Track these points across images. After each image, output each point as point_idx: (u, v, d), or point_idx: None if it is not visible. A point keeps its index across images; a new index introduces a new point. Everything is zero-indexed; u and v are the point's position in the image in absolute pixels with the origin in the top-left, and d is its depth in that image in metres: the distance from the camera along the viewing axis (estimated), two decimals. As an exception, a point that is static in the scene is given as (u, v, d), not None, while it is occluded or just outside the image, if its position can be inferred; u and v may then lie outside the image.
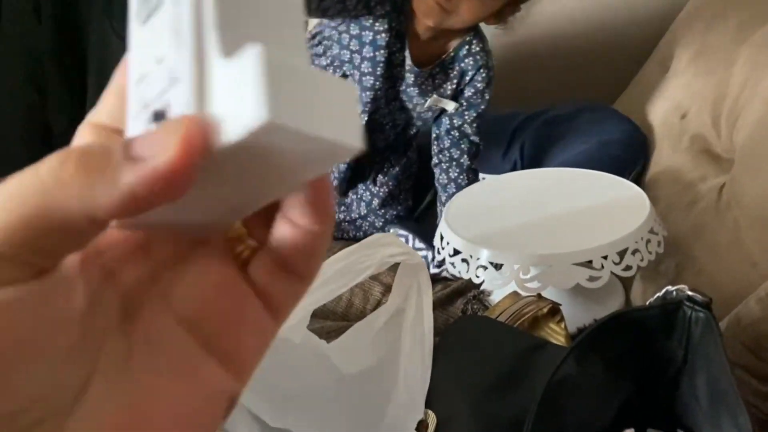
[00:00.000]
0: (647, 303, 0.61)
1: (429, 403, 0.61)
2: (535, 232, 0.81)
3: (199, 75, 0.16)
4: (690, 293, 0.57)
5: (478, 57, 1.09)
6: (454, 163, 1.13)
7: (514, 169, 1.28)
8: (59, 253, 0.16)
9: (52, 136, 2.25)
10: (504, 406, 0.61)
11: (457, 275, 0.82)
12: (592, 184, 0.91)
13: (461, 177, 1.13)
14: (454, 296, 0.88)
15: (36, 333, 0.16)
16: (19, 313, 0.15)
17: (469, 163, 1.14)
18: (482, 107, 1.12)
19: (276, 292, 0.20)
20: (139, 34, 0.19)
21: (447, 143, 1.13)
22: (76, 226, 0.16)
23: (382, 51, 1.01)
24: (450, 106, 1.10)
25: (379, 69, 1.02)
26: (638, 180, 1.10)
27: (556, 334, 0.73)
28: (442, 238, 0.86)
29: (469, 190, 1.00)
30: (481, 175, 1.29)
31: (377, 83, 1.03)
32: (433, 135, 1.15)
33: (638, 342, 0.60)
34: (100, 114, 0.20)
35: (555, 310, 0.74)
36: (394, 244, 0.67)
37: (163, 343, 0.19)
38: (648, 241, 0.76)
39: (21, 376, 0.15)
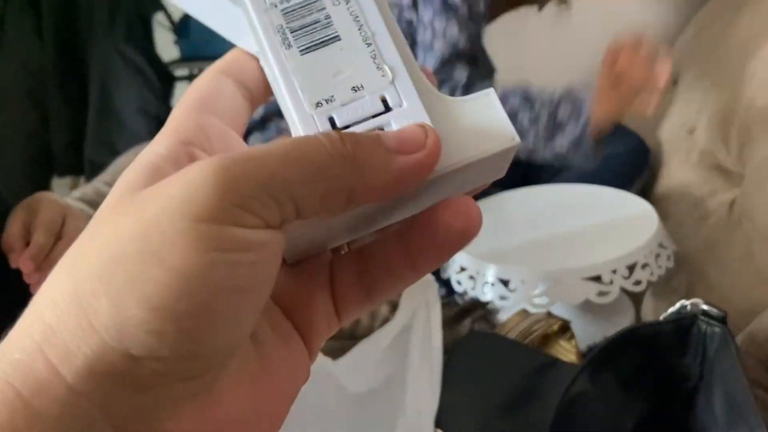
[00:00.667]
0: (660, 318, 0.60)
1: (438, 423, 0.60)
2: (543, 247, 0.80)
3: (424, 104, 0.20)
4: (705, 307, 0.56)
5: None
6: None
7: (517, 181, 1.28)
8: (301, 214, 0.17)
9: (53, 155, 2.25)
10: (515, 425, 0.59)
11: (464, 293, 0.80)
12: (599, 200, 0.90)
13: None
14: (461, 315, 0.87)
15: (268, 280, 0.17)
16: (273, 256, 0.17)
17: None
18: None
19: (347, 297, 0.21)
20: (293, 61, 0.21)
21: None
22: (335, 196, 0.17)
23: None
24: None
25: None
26: (647, 195, 1.10)
27: (566, 352, 0.72)
28: (448, 254, 0.85)
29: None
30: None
31: None
32: None
33: (652, 358, 0.58)
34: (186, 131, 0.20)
35: (565, 328, 0.73)
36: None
37: (278, 328, 0.20)
38: (657, 255, 0.75)
39: (239, 318, 0.17)
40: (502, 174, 0.22)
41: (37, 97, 2.16)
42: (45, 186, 2.29)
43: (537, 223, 0.87)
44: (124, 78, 2.13)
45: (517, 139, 0.19)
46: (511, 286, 0.74)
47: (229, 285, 0.16)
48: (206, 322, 0.16)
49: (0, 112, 2.24)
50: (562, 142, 0.83)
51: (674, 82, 1.20)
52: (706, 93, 1.08)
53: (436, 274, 0.98)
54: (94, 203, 1.53)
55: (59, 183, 2.40)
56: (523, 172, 1.27)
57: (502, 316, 0.83)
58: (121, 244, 0.16)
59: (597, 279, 0.73)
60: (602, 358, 0.57)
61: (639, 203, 0.86)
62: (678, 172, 1.04)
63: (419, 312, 0.69)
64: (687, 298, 0.71)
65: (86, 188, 1.63)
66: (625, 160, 1.08)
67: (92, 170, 2.20)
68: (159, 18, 2.29)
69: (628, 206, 0.87)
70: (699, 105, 1.08)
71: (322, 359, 0.67)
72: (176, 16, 2.31)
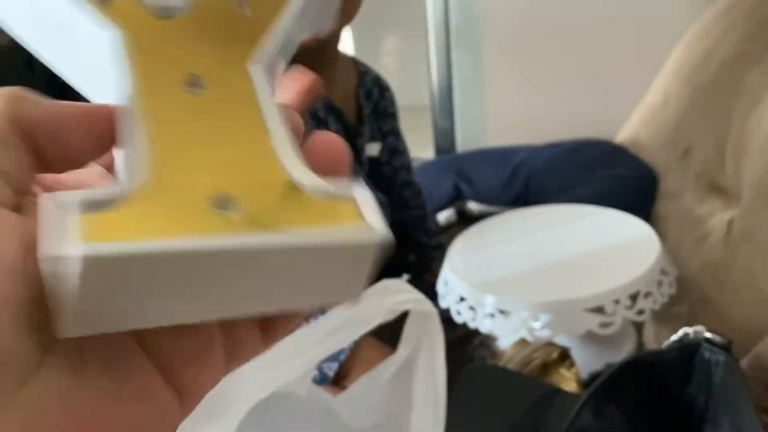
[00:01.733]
0: (663, 346, 0.60)
1: (441, 459, 0.59)
2: (543, 274, 0.80)
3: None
4: (708, 335, 0.55)
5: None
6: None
7: (516, 199, 1.28)
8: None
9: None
10: (519, 460, 0.58)
11: (464, 323, 0.80)
12: (599, 222, 0.90)
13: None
14: (460, 343, 0.86)
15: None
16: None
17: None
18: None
19: (239, 338, 0.20)
20: None
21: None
22: None
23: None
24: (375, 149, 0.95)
25: None
26: (646, 214, 1.09)
27: (567, 380, 0.71)
28: (446, 283, 0.85)
29: (473, 230, 0.98)
30: (480, 206, 1.29)
31: None
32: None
33: (656, 388, 0.58)
34: None
35: (565, 355, 0.72)
36: (402, 290, 0.65)
37: (118, 357, 0.18)
38: (660, 282, 0.74)
39: None
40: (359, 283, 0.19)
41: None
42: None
43: (536, 246, 0.87)
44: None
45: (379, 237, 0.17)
46: (512, 318, 0.74)
47: None
48: None
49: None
50: None
51: (666, 102, 1.21)
52: (698, 111, 1.08)
53: (434, 300, 0.97)
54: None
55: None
56: (523, 190, 1.27)
57: (502, 343, 0.82)
58: None
59: (599, 309, 0.72)
60: (605, 389, 0.56)
61: (639, 226, 0.86)
62: (675, 191, 1.04)
63: (422, 344, 0.68)
64: (689, 321, 0.70)
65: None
66: (630, 187, 1.08)
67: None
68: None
69: (628, 228, 0.86)
70: (693, 123, 1.08)
71: (322, 395, 0.66)
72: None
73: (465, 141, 1.55)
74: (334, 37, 0.77)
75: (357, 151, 0.88)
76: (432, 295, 0.85)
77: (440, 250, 1.07)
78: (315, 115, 0.81)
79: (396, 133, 0.96)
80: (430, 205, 1.30)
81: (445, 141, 1.62)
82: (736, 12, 1.10)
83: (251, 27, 0.26)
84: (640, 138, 1.23)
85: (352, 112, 0.87)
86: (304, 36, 0.33)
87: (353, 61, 0.91)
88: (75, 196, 0.16)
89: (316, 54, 0.75)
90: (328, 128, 0.83)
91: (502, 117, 1.50)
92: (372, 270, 0.19)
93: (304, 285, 0.18)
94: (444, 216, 1.30)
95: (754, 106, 0.89)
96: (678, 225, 0.95)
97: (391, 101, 0.94)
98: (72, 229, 0.15)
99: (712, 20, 1.17)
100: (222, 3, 0.26)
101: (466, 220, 1.31)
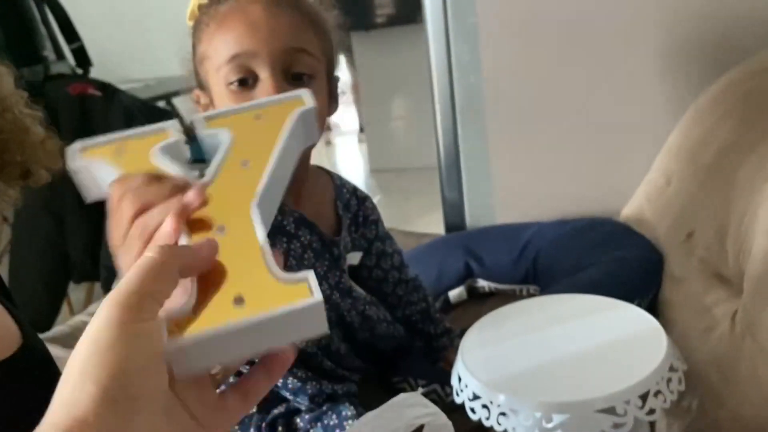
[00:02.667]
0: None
1: None
2: (555, 372, 0.81)
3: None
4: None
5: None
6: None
7: (526, 277, 1.30)
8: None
9: (70, 262, 2.30)
10: None
11: (479, 421, 0.81)
12: (609, 314, 0.91)
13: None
14: (479, 430, 0.87)
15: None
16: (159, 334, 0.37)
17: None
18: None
19: (249, 385, 0.41)
20: None
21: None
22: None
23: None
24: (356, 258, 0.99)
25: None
26: (653, 299, 1.11)
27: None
28: (460, 379, 0.86)
29: (486, 321, 1.00)
30: (490, 284, 1.31)
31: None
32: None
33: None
34: None
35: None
36: (419, 404, 0.67)
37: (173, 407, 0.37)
38: (669, 380, 0.76)
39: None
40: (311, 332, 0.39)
41: (54, 208, 2.23)
42: (62, 293, 2.33)
43: (547, 341, 0.88)
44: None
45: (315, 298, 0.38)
46: (525, 418, 0.75)
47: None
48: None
49: (18, 224, 2.30)
50: None
51: (668, 182, 1.24)
52: (700, 195, 1.10)
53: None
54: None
55: (76, 290, 2.44)
56: (531, 268, 1.30)
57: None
58: None
59: (611, 408, 0.73)
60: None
61: (647, 320, 0.87)
62: (680, 276, 1.06)
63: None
64: (702, 416, 0.72)
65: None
66: (636, 269, 1.11)
67: (108, 275, 2.25)
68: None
69: (635, 322, 0.88)
70: (695, 207, 1.10)
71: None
72: (187, 123, 2.41)
73: (473, 216, 1.58)
74: (303, 157, 0.81)
75: (336, 260, 0.91)
76: (448, 380, 0.87)
77: (448, 335, 1.09)
78: (284, 231, 0.85)
79: (381, 238, 1.01)
80: (441, 284, 1.32)
81: (454, 214, 1.66)
82: (731, 97, 1.14)
83: (251, 175, 0.45)
84: (645, 216, 1.26)
85: (329, 225, 0.92)
86: (296, 158, 0.53)
87: (329, 175, 0.96)
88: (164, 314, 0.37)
89: None
90: (299, 241, 0.86)
91: (509, 192, 1.54)
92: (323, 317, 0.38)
93: (287, 331, 0.38)
94: (455, 294, 1.33)
95: (751, 196, 0.92)
96: (685, 313, 0.97)
97: (372, 209, 0.99)
98: (168, 332, 0.37)
99: (708, 103, 1.21)
100: (233, 163, 0.49)
101: (476, 297, 1.33)
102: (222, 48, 0.79)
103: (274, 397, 0.91)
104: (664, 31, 1.39)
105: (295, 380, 0.89)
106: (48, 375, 0.65)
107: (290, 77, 0.78)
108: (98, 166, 0.49)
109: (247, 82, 0.78)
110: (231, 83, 0.79)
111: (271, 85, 0.76)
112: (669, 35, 1.39)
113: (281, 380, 0.89)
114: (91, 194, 0.51)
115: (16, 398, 0.57)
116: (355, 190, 0.97)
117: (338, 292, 0.92)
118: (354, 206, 0.96)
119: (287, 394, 0.90)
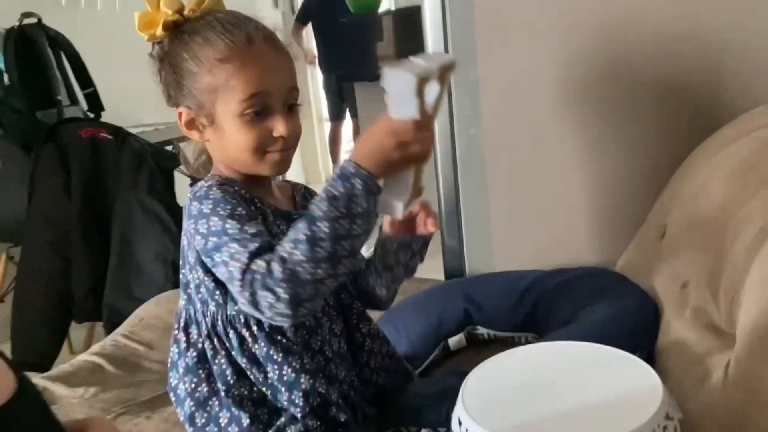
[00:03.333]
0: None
1: None
2: (553, 417, 0.83)
3: None
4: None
5: None
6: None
7: (525, 325, 1.32)
8: None
9: (73, 302, 2.32)
10: None
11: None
12: (606, 361, 0.93)
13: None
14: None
15: None
16: None
17: None
18: None
19: None
20: None
21: None
22: None
23: None
24: None
25: None
26: (650, 347, 1.14)
27: None
28: (460, 423, 0.88)
29: (486, 365, 1.02)
30: (489, 331, 1.33)
31: None
32: None
33: None
34: None
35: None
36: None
37: None
38: (665, 428, 0.78)
39: None
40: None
41: (60, 248, 2.26)
42: (64, 332, 2.35)
43: (544, 389, 0.90)
44: (143, 227, 2.25)
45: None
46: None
47: None
48: None
49: (23, 262, 2.33)
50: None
51: (662, 234, 1.28)
52: (693, 248, 1.14)
53: None
54: (112, 356, 1.58)
55: (77, 330, 2.45)
56: (530, 316, 1.32)
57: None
58: None
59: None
60: None
61: (643, 368, 0.89)
62: (675, 326, 1.08)
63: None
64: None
65: (105, 341, 1.69)
66: (636, 319, 1.13)
67: (110, 315, 2.27)
68: (180, 169, 2.44)
69: (631, 370, 0.90)
70: (689, 259, 1.13)
71: None
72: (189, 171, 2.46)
73: (473, 263, 1.62)
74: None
75: None
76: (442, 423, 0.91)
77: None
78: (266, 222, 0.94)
79: None
80: (441, 331, 1.35)
81: (453, 261, 1.69)
82: (723, 154, 1.19)
83: None
84: (640, 266, 1.30)
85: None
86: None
87: (284, 182, 1.10)
88: None
89: (256, 178, 0.96)
90: (279, 228, 0.95)
91: (508, 241, 1.58)
92: None
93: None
94: (454, 341, 1.35)
95: (742, 249, 0.95)
96: (679, 362, 0.99)
97: None
98: None
99: (702, 159, 1.25)
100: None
101: (476, 344, 1.36)
102: (241, 86, 0.89)
103: (272, 409, 0.94)
104: (658, 88, 1.45)
105: (290, 370, 0.93)
106: (44, 421, 0.67)
107: (287, 108, 0.93)
108: None
109: (259, 114, 0.90)
110: (247, 115, 0.90)
111: (282, 119, 0.91)
112: (664, 93, 1.45)
113: (277, 372, 0.93)
114: None
115: None
116: (305, 187, 1.10)
117: None
118: (308, 199, 1.06)
119: (283, 389, 0.93)
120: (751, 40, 1.40)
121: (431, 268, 1.80)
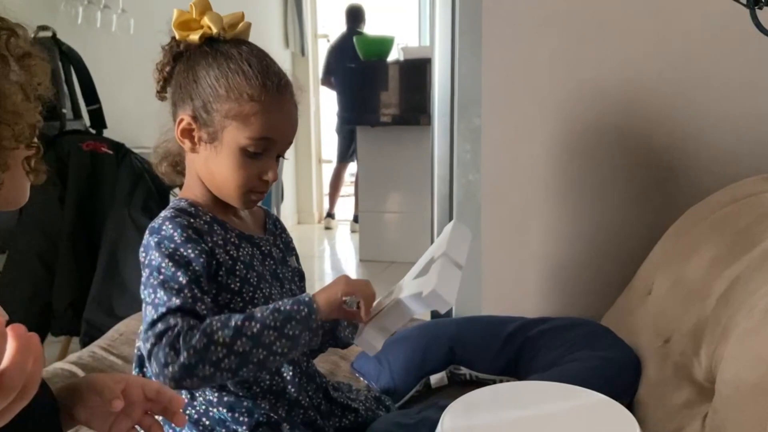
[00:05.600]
0: None
1: None
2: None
3: None
4: None
5: None
6: None
7: (508, 367, 1.32)
8: None
9: (52, 314, 2.30)
10: None
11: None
12: (586, 405, 0.94)
13: None
14: None
15: None
16: None
17: None
18: None
19: None
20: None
21: None
22: None
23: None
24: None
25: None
26: (629, 398, 1.14)
27: None
28: (439, 453, 0.88)
29: (467, 398, 1.02)
30: (471, 372, 1.33)
31: None
32: None
33: None
34: None
35: None
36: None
37: None
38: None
39: None
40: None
41: (47, 258, 2.25)
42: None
43: (525, 423, 0.91)
44: (133, 244, 2.21)
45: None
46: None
47: None
48: None
49: (9, 272, 2.31)
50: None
51: (649, 291, 1.30)
52: (678, 305, 1.16)
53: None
54: (89, 367, 1.56)
55: (53, 342, 2.41)
56: (513, 360, 1.32)
57: None
58: None
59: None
60: None
61: (622, 415, 0.90)
62: (655, 378, 1.09)
63: None
64: None
65: (83, 352, 1.67)
66: (617, 370, 1.14)
67: (88, 330, 2.24)
68: (176, 190, 2.45)
69: (610, 415, 0.91)
70: (672, 316, 1.15)
71: None
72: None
73: (460, 306, 1.63)
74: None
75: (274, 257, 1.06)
76: None
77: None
78: (231, 243, 0.97)
79: (299, 263, 1.13)
80: (424, 367, 1.35)
81: (441, 303, 1.69)
82: (711, 218, 1.22)
83: None
84: (625, 321, 1.31)
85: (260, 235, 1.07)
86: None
87: (259, 208, 1.12)
88: None
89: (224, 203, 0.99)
90: (245, 250, 0.99)
91: (497, 287, 1.59)
92: None
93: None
94: (436, 378, 1.35)
95: (725, 307, 0.97)
96: (657, 413, 1.00)
97: (291, 239, 1.13)
98: None
99: (691, 221, 1.29)
100: None
101: (457, 384, 1.35)
102: (257, 127, 0.92)
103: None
104: (653, 151, 1.50)
105: (230, 392, 0.94)
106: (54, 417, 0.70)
107: (277, 157, 0.98)
108: None
109: (257, 155, 0.94)
110: (247, 152, 0.93)
111: (274, 167, 0.96)
112: (658, 156, 1.49)
113: (216, 394, 0.95)
114: None
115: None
116: (277, 219, 1.13)
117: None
118: (279, 228, 1.11)
119: (224, 410, 0.94)
120: (747, 112, 1.46)
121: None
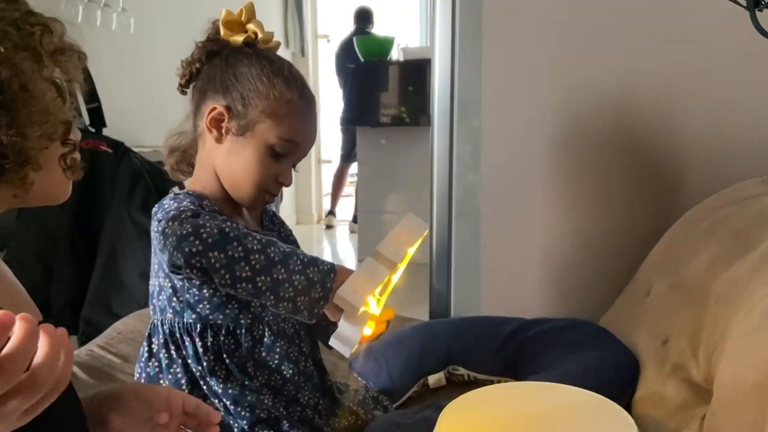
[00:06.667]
0: None
1: None
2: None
3: None
4: None
5: None
6: None
7: (506, 368, 1.32)
8: None
9: (50, 313, 2.29)
10: None
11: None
12: (584, 405, 0.94)
13: None
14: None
15: None
16: None
17: None
18: None
19: None
20: None
21: None
22: None
23: None
24: None
25: None
26: (628, 399, 1.14)
27: None
28: (436, 452, 0.88)
29: (465, 398, 1.02)
30: (469, 372, 1.33)
31: None
32: None
33: None
34: None
35: None
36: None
37: None
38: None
39: None
40: None
41: (45, 257, 2.24)
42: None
43: (521, 424, 0.91)
44: (132, 243, 2.24)
45: None
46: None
47: None
48: None
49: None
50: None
51: (647, 292, 1.30)
52: (676, 306, 1.16)
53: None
54: (87, 365, 1.56)
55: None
56: (512, 361, 1.32)
57: None
58: None
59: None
60: None
61: (620, 416, 0.90)
62: (653, 380, 1.09)
63: None
64: None
65: (80, 350, 1.67)
66: (615, 372, 1.14)
67: (86, 329, 2.23)
68: (175, 189, 2.45)
69: (608, 416, 0.91)
70: (671, 317, 1.15)
71: None
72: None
73: (458, 306, 1.63)
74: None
75: None
76: None
77: None
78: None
79: None
80: (422, 367, 1.35)
81: (440, 303, 1.70)
82: (711, 220, 1.22)
83: None
84: (623, 322, 1.31)
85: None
86: None
87: None
88: None
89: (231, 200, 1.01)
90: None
91: (496, 288, 1.59)
92: None
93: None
94: (434, 378, 1.35)
95: (724, 308, 0.97)
96: (655, 414, 1.00)
97: (290, 231, 1.15)
98: None
99: (690, 223, 1.29)
100: None
101: (455, 384, 1.35)
102: (288, 128, 0.97)
103: (224, 425, 0.94)
104: (654, 151, 1.50)
105: (235, 384, 0.94)
106: None
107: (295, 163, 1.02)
108: None
109: (280, 156, 0.98)
110: (272, 151, 0.96)
111: (290, 172, 1.00)
112: (659, 157, 1.50)
113: (222, 385, 0.95)
114: None
115: None
116: (274, 213, 1.16)
117: None
118: (277, 223, 1.14)
119: (228, 402, 0.94)
120: (746, 114, 1.46)
121: (415, 314, 1.81)
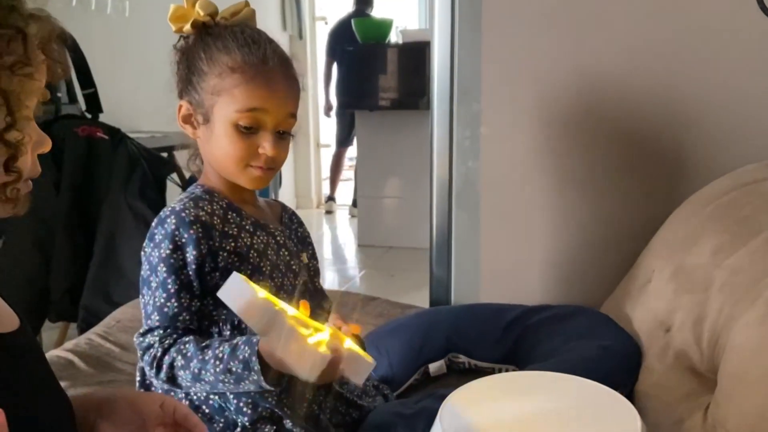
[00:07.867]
0: None
1: None
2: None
3: None
4: None
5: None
6: None
7: (507, 356, 1.32)
8: None
9: (50, 300, 2.28)
10: None
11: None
12: (586, 395, 0.93)
13: None
14: None
15: None
16: None
17: None
18: None
19: None
20: None
21: None
22: None
23: None
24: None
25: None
26: (630, 388, 1.13)
27: None
28: (437, 444, 0.87)
29: (467, 388, 1.01)
30: (470, 361, 1.32)
31: None
32: None
33: None
34: None
35: None
36: None
37: None
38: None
39: None
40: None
41: (44, 245, 2.23)
42: (37, 330, 2.30)
43: (524, 414, 0.90)
44: (130, 230, 2.22)
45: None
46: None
47: None
48: None
49: (5, 258, 2.29)
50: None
51: (649, 279, 1.28)
52: (679, 293, 1.15)
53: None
54: (85, 354, 1.56)
55: (50, 328, 2.41)
56: (512, 349, 1.32)
57: None
58: None
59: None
60: None
61: (623, 405, 0.89)
62: (656, 368, 1.09)
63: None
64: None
65: (80, 339, 1.66)
66: (617, 359, 1.13)
67: (85, 316, 2.23)
68: (173, 176, 2.45)
69: (611, 405, 0.90)
70: (673, 305, 1.14)
71: None
72: (187, 175, 2.46)
73: (459, 294, 1.62)
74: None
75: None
76: None
77: None
78: (246, 230, 0.98)
79: (316, 258, 1.13)
80: (422, 355, 1.34)
81: (440, 290, 1.69)
82: (715, 204, 1.21)
83: None
84: (626, 309, 1.30)
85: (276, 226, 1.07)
86: None
87: (276, 201, 1.15)
88: None
89: (240, 188, 1.00)
90: (259, 238, 1.00)
91: (496, 274, 1.58)
92: None
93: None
94: (435, 366, 1.34)
95: (729, 296, 0.96)
96: (658, 403, 0.99)
97: (308, 233, 1.14)
98: None
99: (693, 208, 1.27)
100: None
101: (455, 372, 1.35)
102: (243, 98, 0.93)
103: (229, 421, 0.94)
104: (652, 136, 1.48)
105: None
106: (40, 358, 0.72)
107: (279, 133, 0.95)
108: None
109: (251, 129, 0.93)
110: (239, 126, 0.93)
111: (270, 139, 0.94)
112: (658, 138, 1.48)
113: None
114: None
115: (17, 367, 0.64)
116: (293, 213, 1.14)
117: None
118: (296, 222, 1.12)
119: (230, 396, 0.93)
120: (747, 99, 1.44)
121: (415, 300, 1.80)
